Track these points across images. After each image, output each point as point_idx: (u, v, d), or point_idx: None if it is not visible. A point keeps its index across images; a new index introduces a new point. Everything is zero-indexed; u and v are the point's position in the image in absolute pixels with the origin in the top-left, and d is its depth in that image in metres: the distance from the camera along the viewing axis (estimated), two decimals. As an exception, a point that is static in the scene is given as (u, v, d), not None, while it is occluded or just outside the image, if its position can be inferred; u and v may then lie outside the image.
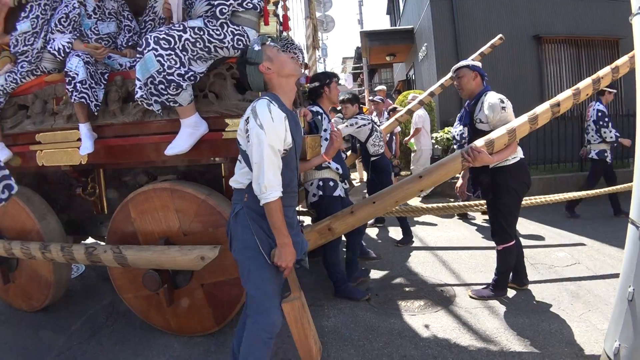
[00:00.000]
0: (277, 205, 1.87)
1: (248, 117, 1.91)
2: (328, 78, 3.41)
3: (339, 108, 5.19)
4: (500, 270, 3.26)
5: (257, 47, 2.03)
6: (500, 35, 4.46)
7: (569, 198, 4.40)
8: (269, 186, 1.85)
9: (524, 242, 4.74)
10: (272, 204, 1.87)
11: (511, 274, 3.38)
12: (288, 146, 1.97)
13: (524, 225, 5.46)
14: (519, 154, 3.09)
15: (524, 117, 2.80)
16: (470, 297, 3.32)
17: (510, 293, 3.36)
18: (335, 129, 2.68)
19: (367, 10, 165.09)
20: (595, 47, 9.02)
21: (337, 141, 2.41)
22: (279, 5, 3.68)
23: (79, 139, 2.88)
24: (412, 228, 5.13)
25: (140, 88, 2.50)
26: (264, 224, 1.95)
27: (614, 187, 4.77)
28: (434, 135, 7.65)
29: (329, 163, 3.28)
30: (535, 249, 4.52)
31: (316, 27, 4.08)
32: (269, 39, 2.15)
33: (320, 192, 3.32)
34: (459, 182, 3.66)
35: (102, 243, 3.34)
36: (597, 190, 4.57)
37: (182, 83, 2.43)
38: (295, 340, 2.31)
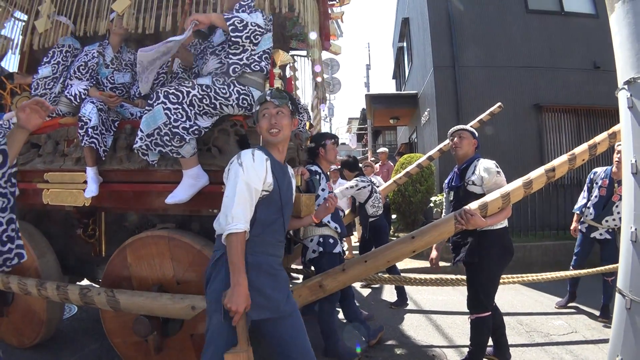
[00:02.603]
0: (239, 239, 1.84)
1: (232, 161, 2.00)
2: (324, 139, 3.48)
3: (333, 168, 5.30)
4: (474, 342, 3.10)
5: (254, 110, 2.17)
6: (499, 103, 4.58)
7: (561, 277, 4.28)
8: (236, 217, 1.84)
9: (520, 308, 4.73)
10: (235, 236, 1.83)
11: (493, 347, 3.29)
12: (269, 187, 1.99)
13: (520, 292, 5.42)
14: (504, 221, 3.02)
15: (519, 182, 2.83)
16: None
17: None
18: (335, 190, 2.73)
19: (374, 74, 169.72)
20: (595, 116, 9.09)
21: (330, 207, 2.47)
22: (287, 67, 3.87)
23: (85, 182, 2.97)
24: (407, 290, 5.08)
25: (141, 139, 2.61)
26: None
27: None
28: (433, 198, 7.71)
29: (328, 222, 3.33)
30: (531, 317, 4.45)
31: (321, 88, 4.25)
32: (269, 93, 2.16)
33: (321, 249, 3.33)
34: (433, 254, 3.52)
35: (96, 286, 3.36)
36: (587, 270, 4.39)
37: (185, 136, 2.54)
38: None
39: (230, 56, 2.69)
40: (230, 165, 1.99)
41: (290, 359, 1.98)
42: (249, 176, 1.90)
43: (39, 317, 3.25)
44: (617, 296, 2.08)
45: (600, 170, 4.50)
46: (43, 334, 3.29)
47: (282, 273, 2.10)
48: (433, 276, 4.01)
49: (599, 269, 4.16)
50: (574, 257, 4.63)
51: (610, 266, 4.03)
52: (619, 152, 4.11)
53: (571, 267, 4.60)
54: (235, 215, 1.85)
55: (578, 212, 4.66)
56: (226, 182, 2.00)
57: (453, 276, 3.94)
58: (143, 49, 2.66)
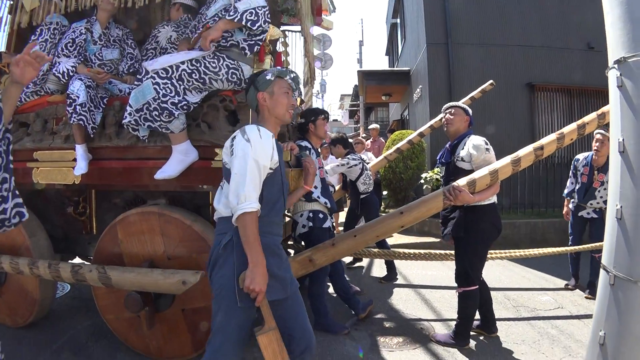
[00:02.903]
0: (253, 218, 1.79)
1: (235, 136, 1.94)
2: (313, 115, 3.48)
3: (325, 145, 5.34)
4: (461, 315, 3.17)
5: (268, 77, 2.10)
6: (491, 81, 4.57)
7: (548, 253, 4.36)
8: (249, 197, 1.78)
9: (508, 284, 4.81)
10: (249, 215, 1.77)
11: (480, 321, 3.36)
12: (275, 165, 1.95)
13: (508, 268, 5.51)
14: (493, 197, 3.08)
15: (507, 159, 2.86)
16: (431, 339, 3.29)
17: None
18: (326, 167, 2.75)
19: (367, 50, 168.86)
20: (587, 96, 9.13)
21: (311, 168, 2.48)
22: (279, 42, 3.82)
23: (75, 159, 2.95)
24: (396, 265, 5.15)
25: (130, 114, 2.60)
26: None
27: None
28: (424, 175, 7.75)
29: (318, 197, 3.35)
30: (518, 292, 4.54)
31: (312, 64, 4.22)
32: (292, 74, 2.18)
33: (310, 224, 3.37)
34: None
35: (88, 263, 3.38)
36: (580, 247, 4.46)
37: (174, 111, 2.53)
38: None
39: (252, 38, 2.67)
40: (235, 141, 1.91)
41: (291, 338, 1.96)
42: (258, 153, 1.85)
43: (32, 296, 3.26)
44: (602, 272, 2.12)
45: (581, 157, 4.61)
46: (36, 313, 3.31)
47: (284, 253, 2.07)
48: (422, 251, 4.06)
49: (585, 246, 4.25)
50: (570, 237, 4.71)
51: (597, 244, 4.10)
52: (598, 140, 4.26)
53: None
54: (247, 194, 1.78)
55: (568, 197, 4.77)
56: (229, 158, 1.93)
57: (442, 251, 4.00)
58: (149, 62, 2.66)
